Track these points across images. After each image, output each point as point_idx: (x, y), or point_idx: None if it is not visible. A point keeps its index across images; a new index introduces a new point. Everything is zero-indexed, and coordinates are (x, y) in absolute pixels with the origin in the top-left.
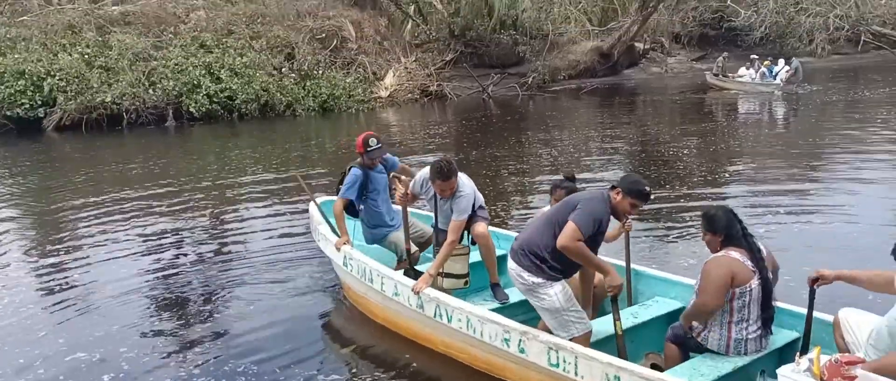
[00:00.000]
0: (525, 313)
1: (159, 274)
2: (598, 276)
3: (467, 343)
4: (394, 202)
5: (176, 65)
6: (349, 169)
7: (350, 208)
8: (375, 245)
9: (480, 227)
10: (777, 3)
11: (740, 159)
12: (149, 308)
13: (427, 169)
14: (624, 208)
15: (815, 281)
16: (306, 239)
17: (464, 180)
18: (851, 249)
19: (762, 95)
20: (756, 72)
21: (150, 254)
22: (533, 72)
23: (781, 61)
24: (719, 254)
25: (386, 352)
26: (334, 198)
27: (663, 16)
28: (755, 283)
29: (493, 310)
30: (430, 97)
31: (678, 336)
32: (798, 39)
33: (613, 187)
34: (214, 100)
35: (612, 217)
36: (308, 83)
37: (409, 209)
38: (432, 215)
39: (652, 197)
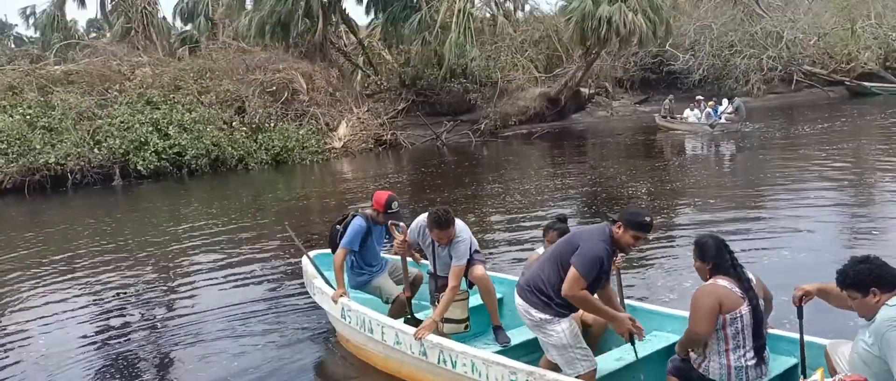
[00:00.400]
0: (528, 354)
1: (129, 335)
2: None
3: None
4: (393, 252)
5: (122, 122)
6: (352, 217)
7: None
8: (365, 292)
9: (479, 269)
10: (713, 46)
11: (698, 196)
12: (126, 370)
13: (423, 217)
14: (627, 241)
15: (800, 299)
16: (280, 291)
17: (460, 226)
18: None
19: (708, 135)
20: (701, 112)
21: (115, 315)
22: (484, 118)
23: (725, 101)
24: (707, 283)
25: None
26: (325, 251)
27: (606, 61)
28: (745, 309)
29: (496, 353)
30: (384, 146)
31: (679, 369)
32: (735, 80)
33: (614, 222)
34: (163, 157)
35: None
36: (260, 136)
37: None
38: (425, 261)
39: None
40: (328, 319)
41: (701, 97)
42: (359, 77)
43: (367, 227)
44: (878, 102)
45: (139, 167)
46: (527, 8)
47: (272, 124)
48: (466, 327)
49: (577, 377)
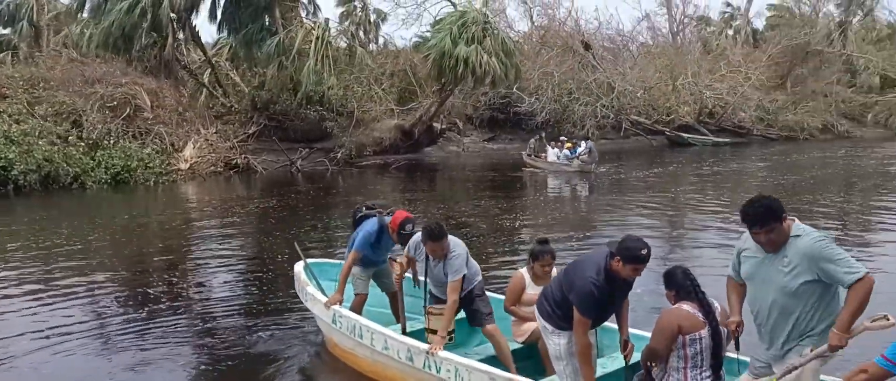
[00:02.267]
0: (521, 360)
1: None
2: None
3: None
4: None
5: None
6: (364, 217)
7: None
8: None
9: (489, 328)
10: (554, 92)
11: (564, 226)
12: None
13: (420, 235)
14: (626, 274)
15: (735, 331)
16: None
17: (455, 242)
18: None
19: (566, 174)
20: (560, 152)
21: None
22: (340, 147)
23: (583, 143)
24: (673, 307)
25: None
26: (326, 261)
27: (457, 99)
28: (705, 332)
29: (482, 360)
30: (235, 170)
31: None
32: (573, 124)
33: (612, 255)
34: None
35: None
36: (99, 153)
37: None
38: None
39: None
40: (318, 324)
41: (564, 138)
42: (203, 97)
43: (378, 233)
44: (694, 151)
45: None
46: (380, 41)
47: (112, 141)
48: (451, 338)
49: None
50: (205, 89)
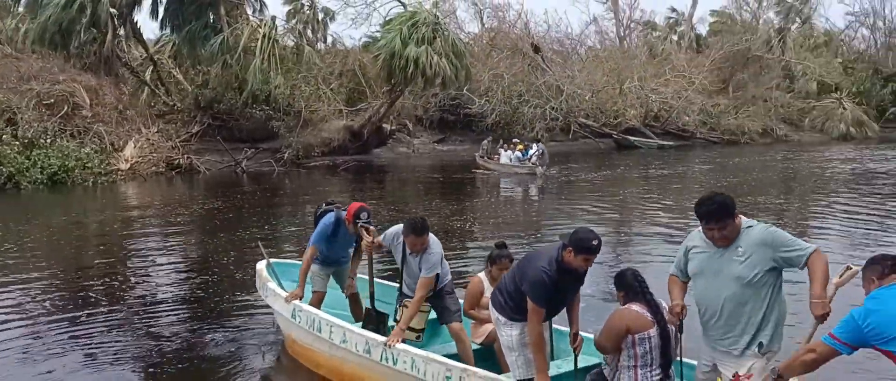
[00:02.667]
0: (483, 360)
1: None
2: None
3: None
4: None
5: None
6: (324, 213)
7: None
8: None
9: (455, 326)
10: (504, 94)
11: (516, 227)
12: None
13: (399, 226)
14: (578, 264)
15: (679, 314)
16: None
17: (434, 240)
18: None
19: (518, 176)
20: (513, 154)
21: None
22: (287, 147)
23: (535, 145)
24: (622, 307)
25: None
26: (288, 261)
27: (407, 100)
28: (654, 332)
29: (446, 356)
30: (178, 171)
31: None
32: (522, 127)
33: (565, 246)
34: None
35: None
36: (34, 153)
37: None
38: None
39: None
40: (276, 320)
41: (516, 140)
42: (144, 95)
43: (334, 227)
44: (640, 154)
45: None
46: (329, 40)
47: (49, 140)
48: (419, 337)
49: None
50: (146, 87)
